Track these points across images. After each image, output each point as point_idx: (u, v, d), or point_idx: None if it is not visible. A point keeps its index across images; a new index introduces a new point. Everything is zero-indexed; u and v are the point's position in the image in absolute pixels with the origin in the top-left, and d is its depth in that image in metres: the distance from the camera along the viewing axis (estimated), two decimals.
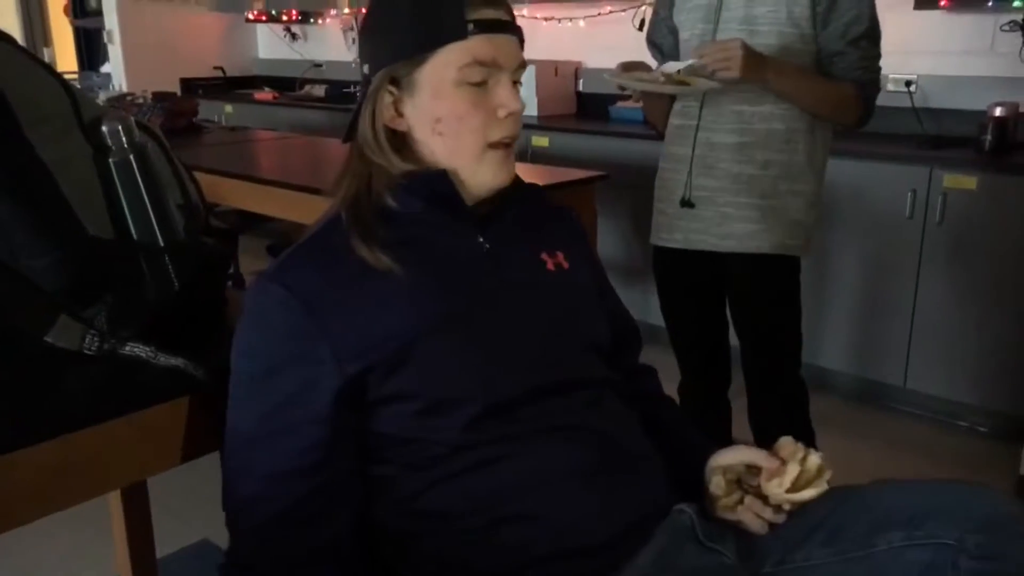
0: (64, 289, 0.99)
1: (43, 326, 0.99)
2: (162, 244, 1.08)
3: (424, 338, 0.95)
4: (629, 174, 2.99)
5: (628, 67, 1.81)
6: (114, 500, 1.64)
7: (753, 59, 1.65)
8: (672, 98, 1.91)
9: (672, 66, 1.76)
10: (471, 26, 0.96)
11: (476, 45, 0.97)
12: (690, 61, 1.72)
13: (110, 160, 1.04)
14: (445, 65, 0.97)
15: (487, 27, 0.97)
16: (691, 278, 1.97)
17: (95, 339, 1.01)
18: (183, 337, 1.06)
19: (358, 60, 1.05)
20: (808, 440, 1.95)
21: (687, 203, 1.86)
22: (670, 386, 2.05)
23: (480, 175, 1.02)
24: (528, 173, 2.70)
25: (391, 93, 0.99)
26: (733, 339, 2.00)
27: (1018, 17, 2.87)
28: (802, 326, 1.94)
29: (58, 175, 0.97)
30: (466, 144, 1.00)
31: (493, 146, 1.01)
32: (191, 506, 2.04)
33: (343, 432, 0.96)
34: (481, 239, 1.04)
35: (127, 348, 1.03)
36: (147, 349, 1.03)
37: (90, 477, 0.97)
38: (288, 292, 0.95)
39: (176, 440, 1.03)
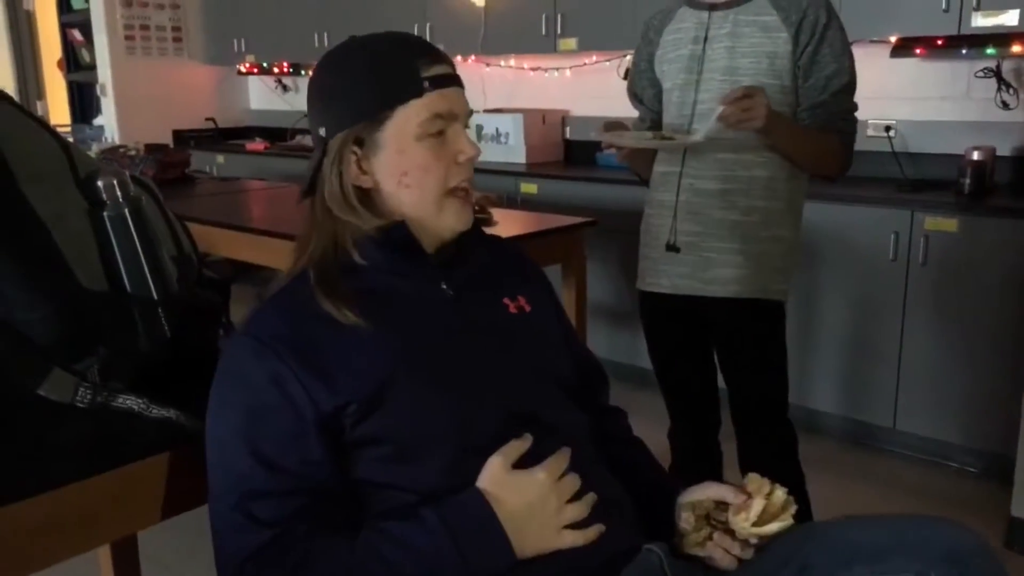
0: (57, 342, 1.00)
1: (36, 379, 0.99)
2: (156, 296, 1.09)
3: (393, 383, 0.98)
4: (617, 219, 3.02)
5: (609, 127, 1.85)
6: (103, 555, 1.63)
7: (773, 115, 1.66)
8: (649, 163, 1.96)
9: (693, 140, 1.76)
10: (426, 83, 1.03)
11: (433, 101, 1.03)
12: (712, 126, 1.69)
13: (105, 214, 1.06)
14: (406, 122, 1.03)
15: (440, 83, 1.04)
16: (677, 322, 1.98)
17: (88, 391, 1.02)
18: (176, 388, 1.07)
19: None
20: (798, 483, 1.96)
21: (672, 247, 1.88)
22: (660, 430, 2.07)
23: (444, 220, 1.07)
24: (517, 220, 2.74)
25: (355, 153, 1.04)
26: (722, 383, 2.02)
27: (992, 64, 2.95)
28: (790, 369, 1.95)
29: (53, 230, 0.99)
30: (430, 192, 1.05)
31: (452, 192, 1.06)
32: (182, 560, 2.02)
33: (334, 473, 0.98)
34: (444, 286, 1.08)
35: (119, 400, 1.03)
36: (139, 401, 1.04)
37: (80, 531, 0.97)
38: (259, 343, 0.99)
39: (166, 493, 1.04)
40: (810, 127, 1.79)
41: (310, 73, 4.95)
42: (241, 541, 0.95)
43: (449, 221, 1.07)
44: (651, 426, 2.02)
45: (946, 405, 2.76)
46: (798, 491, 1.96)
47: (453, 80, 1.07)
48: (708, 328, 1.96)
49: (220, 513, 0.97)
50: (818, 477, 2.02)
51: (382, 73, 1.03)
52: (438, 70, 1.04)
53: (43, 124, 1.08)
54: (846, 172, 1.87)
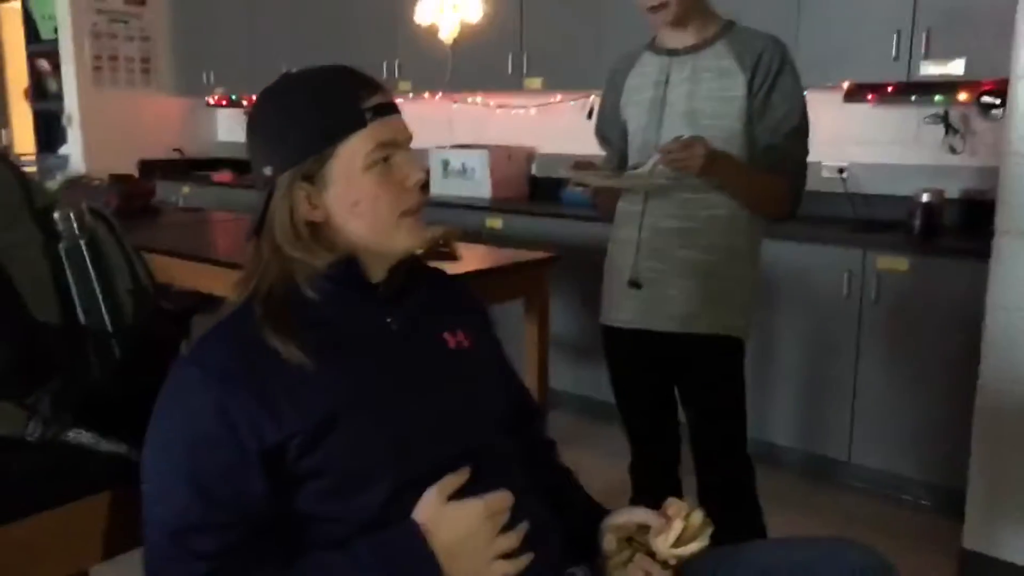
0: (8, 374, 0.99)
1: None
2: (110, 328, 1.09)
3: (336, 418, 0.99)
4: (581, 255, 3.05)
5: (578, 165, 1.90)
6: None
7: (711, 159, 1.72)
8: (614, 202, 2.00)
9: (641, 169, 1.83)
10: (368, 114, 1.04)
11: (376, 130, 1.04)
12: (654, 159, 1.77)
13: (60, 246, 1.06)
14: (352, 154, 1.03)
15: (380, 111, 1.05)
16: (639, 357, 2.01)
17: (38, 426, 1.01)
18: (128, 421, 1.06)
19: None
20: (756, 516, 1.98)
21: (634, 284, 1.91)
22: (622, 463, 2.09)
23: (397, 242, 1.08)
24: (482, 254, 2.76)
25: (303, 189, 1.04)
26: (683, 417, 2.04)
27: (940, 111, 3.05)
28: (748, 403, 1.98)
29: (7, 262, 0.99)
30: (383, 218, 1.06)
31: (404, 215, 1.07)
32: None
33: (272, 506, 0.98)
34: (388, 320, 1.10)
35: (71, 434, 1.03)
36: (90, 435, 1.03)
37: (28, 567, 0.96)
38: (204, 371, 0.99)
39: (117, 529, 1.02)
40: (761, 168, 1.84)
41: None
42: (175, 573, 0.95)
43: (403, 242, 1.08)
44: (612, 459, 2.04)
45: (899, 438, 2.81)
46: (755, 524, 1.99)
47: (392, 108, 1.08)
48: (669, 363, 1.98)
49: (156, 544, 0.96)
50: (776, 510, 2.04)
51: (324, 108, 1.04)
52: (377, 99, 1.05)
53: (1, 157, 1.09)
54: (794, 213, 1.91)
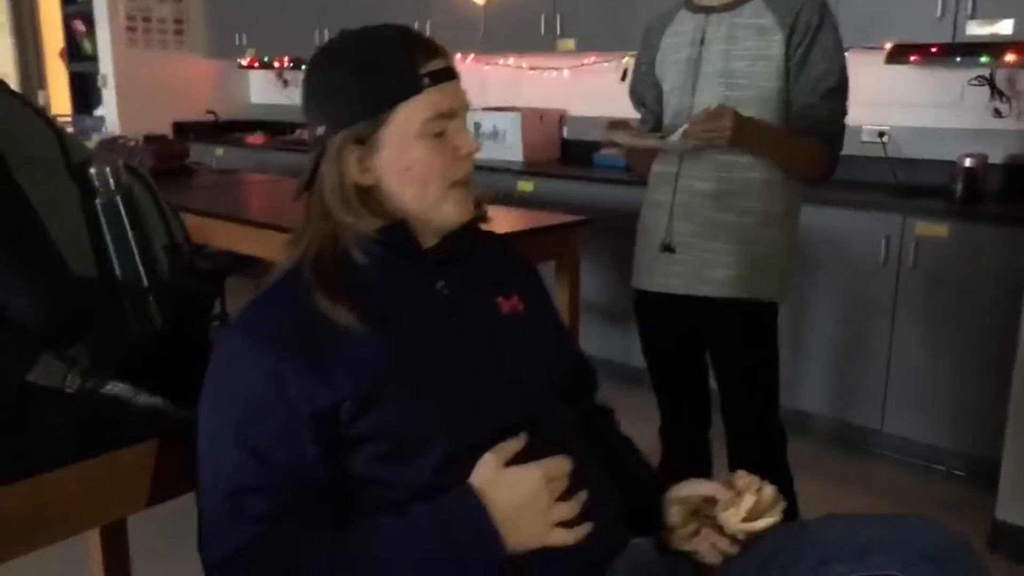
0: (47, 328, 1.01)
1: (25, 364, 1.01)
2: (146, 284, 1.11)
3: (387, 383, 0.98)
4: (612, 219, 3.03)
5: (613, 125, 1.88)
6: (93, 540, 1.64)
7: (741, 127, 1.70)
8: (649, 161, 1.98)
9: (671, 139, 1.80)
10: (425, 80, 1.01)
11: (433, 97, 1.02)
12: (682, 128, 1.75)
13: (96, 201, 1.07)
14: (407, 120, 1.01)
15: (438, 77, 1.02)
16: (671, 321, 2.00)
17: (76, 378, 1.03)
18: (164, 376, 1.08)
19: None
20: (786, 483, 1.97)
21: (667, 248, 1.89)
22: (652, 427, 2.09)
23: (445, 213, 1.06)
24: (512, 217, 2.75)
25: (355, 152, 1.02)
26: (714, 382, 2.03)
27: (985, 72, 2.97)
28: (780, 370, 1.97)
29: (44, 216, 1.00)
30: (433, 187, 1.04)
31: (454, 185, 1.06)
32: (171, 546, 2.04)
33: (326, 470, 0.97)
34: (440, 284, 1.08)
35: (108, 387, 1.05)
36: (127, 388, 1.05)
37: (68, 516, 0.97)
38: (253, 337, 0.99)
39: (152, 480, 1.04)
40: (795, 130, 1.81)
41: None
42: (230, 535, 0.94)
43: (451, 214, 1.06)
44: (643, 424, 2.04)
45: (933, 408, 2.78)
46: (786, 491, 1.95)
47: (451, 74, 1.05)
48: (701, 328, 1.97)
49: (209, 507, 0.96)
50: (806, 478, 2.04)
51: (380, 70, 1.01)
52: (435, 65, 1.02)
53: (37, 110, 1.09)
54: (830, 175, 1.88)
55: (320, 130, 1.03)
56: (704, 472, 2.13)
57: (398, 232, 1.05)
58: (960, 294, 2.67)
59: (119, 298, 1.09)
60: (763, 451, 1.99)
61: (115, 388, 1.05)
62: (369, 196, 1.05)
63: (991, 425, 2.49)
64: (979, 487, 2.63)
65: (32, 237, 1.00)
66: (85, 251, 1.06)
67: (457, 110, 1.05)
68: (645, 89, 2.02)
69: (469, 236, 1.12)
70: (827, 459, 2.94)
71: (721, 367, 1.99)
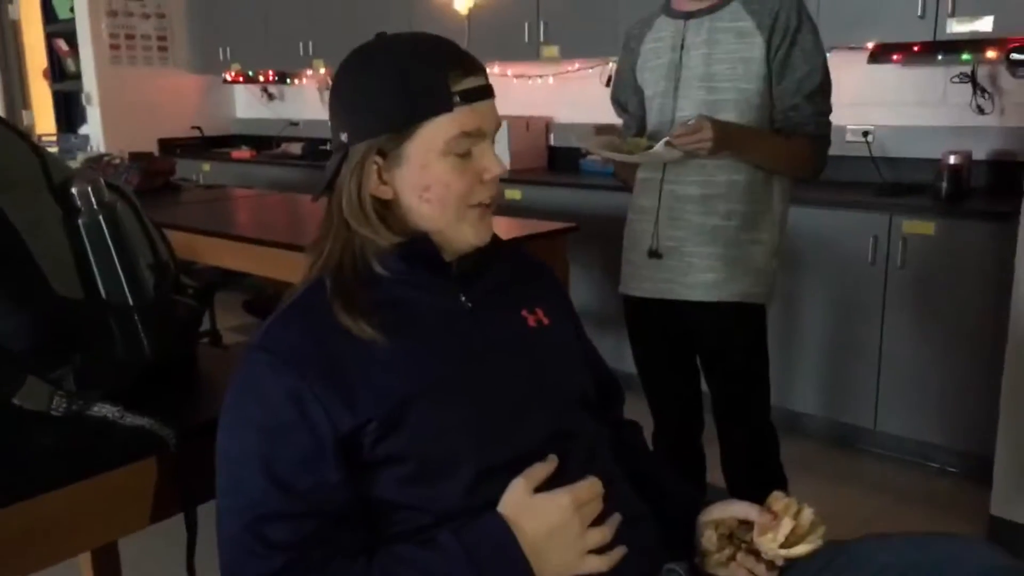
0: (32, 350, 1.00)
1: (10, 388, 0.99)
2: (131, 303, 1.09)
3: (413, 401, 0.95)
4: (600, 225, 3.03)
5: (601, 130, 1.88)
6: (84, 563, 1.63)
7: (723, 136, 1.72)
8: (634, 172, 1.98)
9: (655, 149, 1.79)
10: (456, 98, 0.97)
11: (462, 117, 0.98)
12: (664, 140, 1.75)
13: (79, 221, 1.06)
14: (432, 137, 0.98)
15: (470, 96, 0.99)
16: (660, 326, 2.00)
17: (63, 400, 1.02)
18: (152, 396, 1.07)
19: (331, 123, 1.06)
20: (780, 484, 1.97)
21: (654, 253, 1.90)
22: (644, 432, 2.08)
23: (463, 234, 1.03)
24: (501, 225, 2.74)
25: (376, 163, 0.99)
26: (705, 385, 2.03)
27: (967, 69, 2.99)
28: (771, 371, 1.97)
29: (27, 238, 0.99)
30: (450, 208, 1.01)
31: (474, 207, 1.02)
32: (164, 567, 2.02)
33: (350, 495, 0.94)
34: (463, 298, 1.05)
35: (95, 409, 1.03)
36: (114, 409, 1.04)
37: (56, 541, 0.96)
38: (275, 357, 0.95)
39: (143, 502, 1.03)
40: (780, 131, 1.82)
41: (296, 81, 4.88)
42: (252, 565, 0.91)
43: (467, 236, 1.03)
44: None
45: (926, 405, 2.78)
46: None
47: (485, 92, 1.01)
48: (691, 332, 1.97)
49: (230, 534, 0.93)
50: (800, 478, 2.03)
51: (411, 83, 0.98)
52: (470, 83, 0.99)
53: (15, 130, 1.08)
54: (819, 174, 1.89)
55: (344, 136, 1.01)
56: (699, 475, 2.13)
57: (421, 245, 1.02)
58: (949, 291, 2.68)
59: (104, 318, 1.08)
60: (756, 452, 2.00)
61: (102, 410, 1.04)
62: (387, 210, 1.02)
63: (983, 421, 2.50)
64: (973, 483, 2.64)
65: (15, 259, 0.99)
66: (69, 272, 1.05)
67: (486, 131, 1.02)
68: (627, 95, 2.03)
69: (491, 248, 1.08)
70: (821, 458, 2.94)
71: (711, 370, 2.00)
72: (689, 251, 1.86)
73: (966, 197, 2.81)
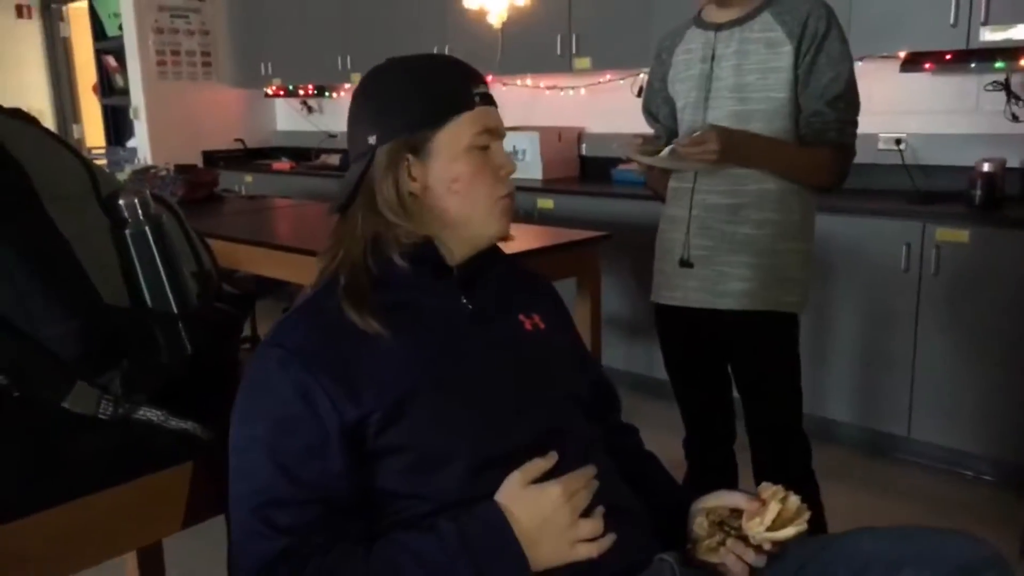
0: (81, 356, 1.04)
1: (60, 392, 1.03)
2: (176, 311, 1.13)
3: (414, 395, 1.00)
4: (632, 233, 3.06)
5: (646, 141, 1.90)
6: (130, 563, 1.68)
7: (729, 146, 1.72)
8: (666, 180, 2.00)
9: (661, 154, 1.83)
10: (477, 98, 1.09)
11: (482, 115, 1.09)
12: (670, 148, 1.79)
13: (126, 232, 1.10)
14: (459, 133, 1.07)
15: (486, 99, 1.10)
16: (692, 335, 2.00)
17: (110, 404, 1.06)
18: (194, 400, 1.10)
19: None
20: (812, 493, 1.97)
21: (685, 263, 1.91)
22: (676, 440, 2.10)
23: (487, 227, 1.11)
24: (534, 234, 2.79)
25: (407, 159, 1.07)
26: (737, 394, 2.03)
27: (1001, 77, 2.96)
28: (804, 378, 1.96)
29: (76, 247, 1.03)
30: (480, 199, 1.10)
31: (500, 199, 1.12)
32: (208, 567, 2.07)
33: (353, 484, 0.99)
34: (464, 300, 1.12)
35: (140, 412, 1.07)
36: (158, 413, 1.08)
37: (102, 540, 1.00)
38: (285, 351, 1.01)
39: (186, 503, 1.06)
40: (804, 137, 1.82)
41: (334, 95, 4.95)
42: (258, 548, 0.96)
43: (494, 227, 1.11)
44: (667, 437, 2.05)
45: (960, 414, 2.76)
46: (812, 500, 1.94)
47: (493, 100, 1.12)
48: (723, 341, 1.97)
49: (239, 519, 0.98)
50: (832, 487, 2.03)
51: (437, 85, 1.09)
52: (483, 88, 1.11)
53: (67, 145, 1.13)
54: (840, 184, 1.88)
55: (371, 139, 1.08)
56: (730, 484, 2.12)
57: (425, 250, 1.09)
58: (983, 298, 2.66)
59: (150, 325, 1.11)
60: (788, 461, 1.98)
61: (147, 413, 1.08)
62: (415, 204, 1.09)
63: (1019, 429, 2.47)
64: (1009, 492, 2.61)
65: (65, 269, 1.02)
66: (116, 281, 1.09)
67: (499, 131, 1.13)
68: (658, 106, 2.04)
69: (492, 256, 1.16)
70: (854, 467, 2.93)
71: (743, 379, 1.99)
72: (720, 260, 1.87)
73: (1000, 205, 2.78)
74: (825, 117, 1.80)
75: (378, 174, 1.07)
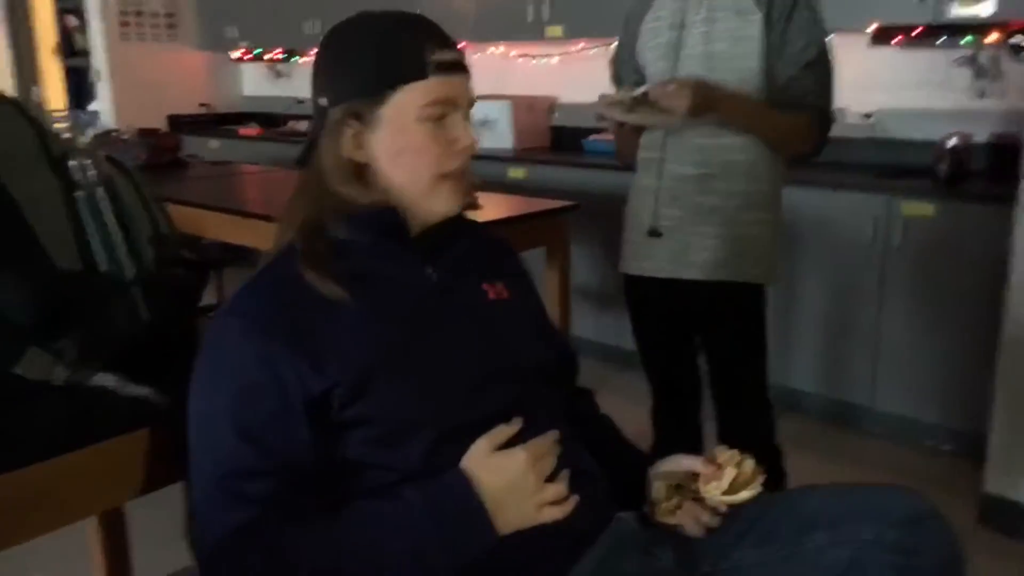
0: (34, 322, 1.02)
1: (12, 358, 1.01)
2: (131, 276, 1.12)
3: (378, 368, 0.98)
4: (603, 204, 3.04)
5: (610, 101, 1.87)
6: (92, 529, 1.66)
7: (702, 99, 1.71)
8: (640, 131, 1.97)
9: (635, 91, 1.80)
10: (431, 67, 1.02)
11: (434, 85, 1.03)
12: (644, 88, 1.77)
13: (77, 195, 1.08)
14: (406, 103, 1.02)
15: (444, 68, 1.03)
16: (660, 305, 2.01)
17: (64, 370, 1.04)
18: (152, 367, 1.09)
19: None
20: (776, 459, 2.00)
21: (654, 232, 1.91)
22: (644, 409, 2.11)
23: (434, 203, 1.07)
24: (502, 203, 2.77)
25: (351, 127, 1.03)
26: (704, 363, 2.05)
27: (968, 53, 2.98)
28: (771, 347, 1.98)
29: (26, 211, 1.01)
30: (423, 175, 1.05)
31: (446, 176, 1.06)
32: (172, 534, 2.05)
33: (318, 454, 0.98)
34: (429, 270, 1.10)
35: (95, 379, 1.06)
36: (113, 379, 1.06)
37: (58, 506, 0.98)
38: (245, 321, 0.99)
39: (141, 470, 1.05)
40: (781, 104, 1.80)
41: (303, 59, 4.87)
42: (222, 518, 0.94)
43: (438, 206, 1.07)
44: (635, 405, 2.07)
45: (922, 384, 2.81)
46: (776, 467, 2.00)
47: (459, 68, 1.06)
48: (690, 310, 1.99)
49: (203, 491, 0.97)
50: (797, 454, 2.06)
51: (388, 51, 1.03)
52: (445, 56, 1.04)
53: (14, 104, 1.09)
54: (819, 151, 1.87)
55: (323, 101, 1.05)
56: (696, 451, 2.14)
57: (388, 217, 1.06)
58: (947, 272, 2.70)
59: (104, 291, 1.10)
60: (753, 430, 2.01)
61: (102, 380, 1.06)
62: (363, 173, 1.06)
63: (978, 400, 2.52)
64: (968, 461, 2.66)
65: (15, 232, 1.00)
66: (69, 244, 1.06)
67: (458, 102, 1.06)
68: (627, 74, 2.02)
69: (456, 224, 1.13)
70: (819, 436, 2.97)
71: (710, 349, 2.01)
72: (688, 231, 1.87)
73: (966, 180, 2.80)
74: (802, 81, 1.78)
75: (324, 138, 1.05)
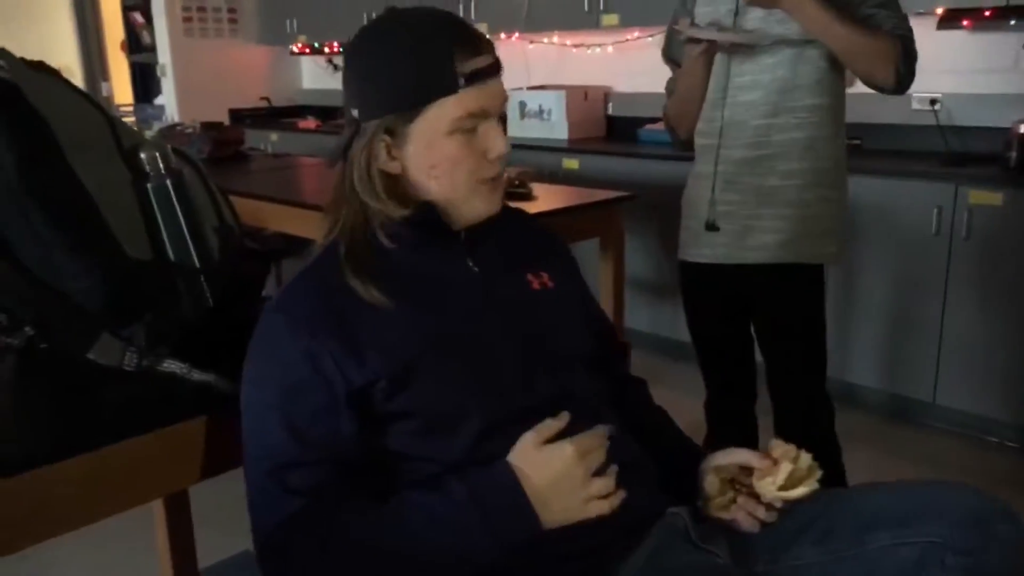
0: (105, 309, 1.05)
1: (85, 344, 1.05)
2: (198, 265, 1.15)
3: (422, 359, 1.00)
4: (657, 194, 3.04)
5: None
6: (158, 512, 1.72)
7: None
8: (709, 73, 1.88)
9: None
10: (462, 80, 1.00)
11: (467, 98, 1.01)
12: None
13: (148, 185, 1.11)
14: (438, 118, 1.02)
15: (477, 77, 1.01)
16: (716, 293, 1.99)
17: (134, 356, 1.07)
18: (216, 353, 1.11)
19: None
20: (834, 455, 1.96)
21: (711, 227, 1.89)
22: (698, 401, 2.10)
23: (471, 207, 1.08)
24: (556, 194, 2.77)
25: (384, 141, 1.04)
26: (760, 356, 2.02)
27: None
28: (829, 342, 1.95)
29: (99, 200, 1.04)
30: (458, 185, 1.05)
31: (482, 182, 1.07)
32: (233, 518, 2.10)
33: (363, 446, 1.00)
34: (470, 263, 1.10)
35: (163, 364, 1.09)
36: (182, 365, 1.09)
37: (126, 488, 1.01)
38: (290, 318, 1.01)
39: (204, 454, 1.08)
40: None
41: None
42: (273, 508, 0.97)
43: (478, 209, 1.08)
44: (689, 397, 2.06)
45: (987, 380, 2.73)
46: (834, 463, 1.96)
47: (491, 72, 1.04)
48: (748, 297, 1.96)
49: (254, 480, 1.00)
50: (855, 450, 2.02)
51: (417, 65, 1.01)
52: (476, 63, 1.01)
53: (88, 98, 1.13)
54: (902, 84, 1.75)
55: (355, 112, 1.05)
56: (750, 445, 2.11)
57: (428, 213, 1.06)
58: (1014, 263, 2.61)
59: (172, 279, 1.13)
60: (810, 423, 1.97)
61: (171, 366, 1.09)
62: (396, 184, 1.06)
63: None
64: None
65: (88, 221, 1.03)
66: (140, 234, 1.10)
67: (491, 111, 1.05)
68: (681, 53, 2.00)
69: (497, 217, 1.12)
70: (878, 431, 2.91)
71: (767, 336, 1.98)
72: (745, 214, 1.85)
73: None
74: (878, 17, 1.72)
75: (356, 149, 1.05)
